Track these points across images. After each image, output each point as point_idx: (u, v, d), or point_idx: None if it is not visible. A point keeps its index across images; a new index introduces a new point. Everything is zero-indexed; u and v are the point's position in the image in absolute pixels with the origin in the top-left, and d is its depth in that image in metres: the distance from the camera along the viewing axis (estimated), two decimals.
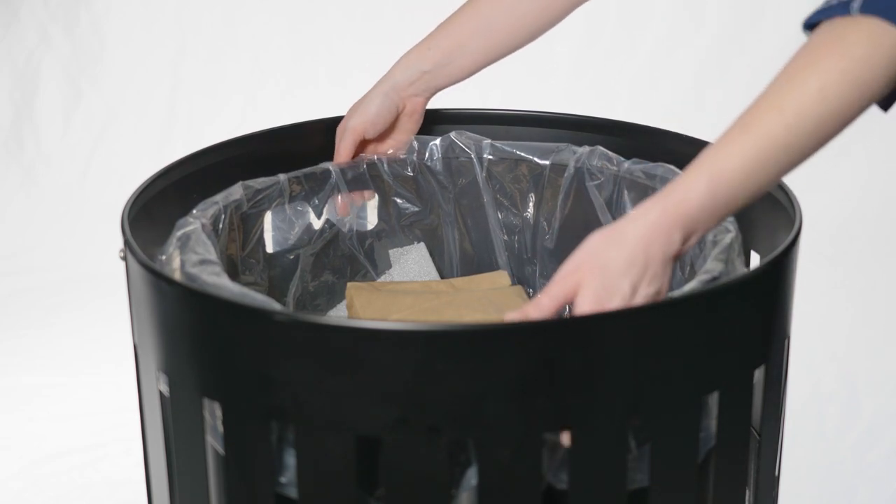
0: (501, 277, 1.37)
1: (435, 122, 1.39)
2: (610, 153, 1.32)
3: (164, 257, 1.13)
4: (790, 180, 1.05)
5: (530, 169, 1.37)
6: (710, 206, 0.98)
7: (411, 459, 0.96)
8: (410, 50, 1.34)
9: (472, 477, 0.99)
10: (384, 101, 1.33)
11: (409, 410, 0.95)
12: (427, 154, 1.38)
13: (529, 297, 1.39)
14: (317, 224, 1.35)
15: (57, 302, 2.61)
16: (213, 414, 1.04)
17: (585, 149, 1.33)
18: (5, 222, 2.88)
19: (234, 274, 1.27)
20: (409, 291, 1.32)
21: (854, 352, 2.32)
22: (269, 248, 1.32)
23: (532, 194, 1.37)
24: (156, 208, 1.21)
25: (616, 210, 1.31)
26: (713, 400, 1.03)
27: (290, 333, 0.96)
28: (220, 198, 1.24)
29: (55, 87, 3.06)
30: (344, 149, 1.34)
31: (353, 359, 0.94)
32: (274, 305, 1.00)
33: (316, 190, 1.34)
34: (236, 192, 1.26)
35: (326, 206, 1.35)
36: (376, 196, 1.38)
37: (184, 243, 1.12)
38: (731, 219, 1.12)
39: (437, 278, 1.41)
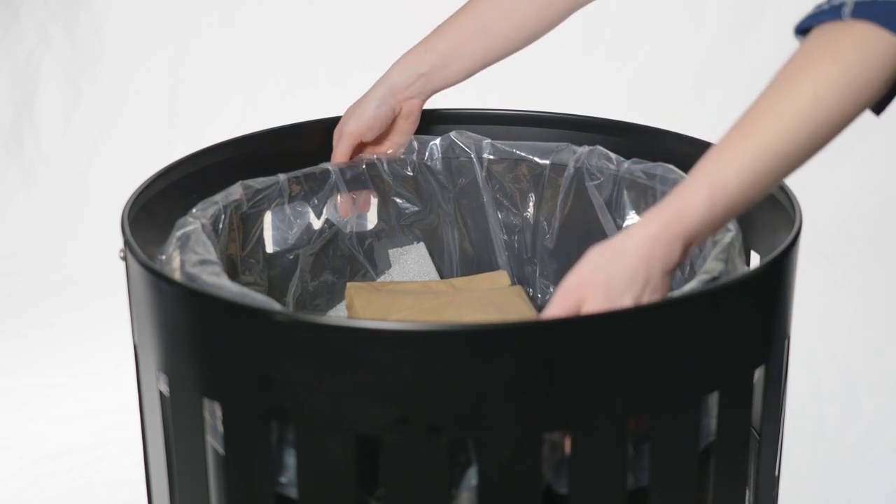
0: (501, 277, 1.37)
1: (435, 121, 1.39)
2: (610, 153, 1.32)
3: (163, 257, 1.13)
4: (790, 180, 1.05)
5: (530, 169, 1.37)
6: (710, 216, 0.98)
7: (411, 459, 0.96)
8: (407, 52, 1.34)
9: (472, 477, 0.99)
10: (381, 105, 1.33)
11: (409, 410, 0.95)
12: (427, 154, 1.38)
13: (529, 296, 1.39)
14: (316, 224, 1.35)
15: (57, 302, 2.60)
16: (213, 414, 1.04)
17: (585, 149, 1.33)
18: (5, 222, 2.88)
19: (233, 274, 1.27)
20: (409, 291, 1.32)
21: (854, 352, 2.31)
22: (269, 248, 1.32)
23: (532, 194, 1.37)
24: (156, 208, 1.21)
25: (616, 210, 1.31)
26: (712, 396, 1.03)
27: (290, 333, 0.96)
28: (219, 198, 1.24)
29: (55, 87, 3.06)
30: (341, 153, 1.34)
31: (353, 359, 0.94)
32: (274, 305, 1.00)
33: (315, 190, 1.34)
34: (236, 191, 1.26)
35: (326, 206, 1.35)
36: (376, 197, 1.38)
37: (183, 243, 1.12)
38: None
39: (437, 278, 1.41)
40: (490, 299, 1.29)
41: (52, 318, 2.55)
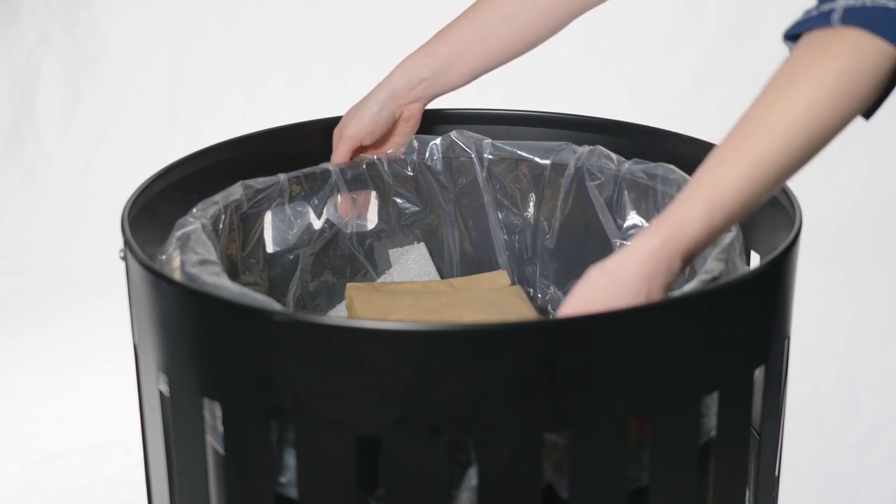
0: (501, 277, 1.37)
1: (435, 121, 1.39)
2: (610, 153, 1.32)
3: (163, 257, 1.13)
4: (790, 180, 1.05)
5: (531, 169, 1.37)
6: (709, 229, 0.98)
7: (411, 459, 0.96)
8: (408, 57, 1.34)
9: (472, 477, 0.99)
10: (381, 110, 1.33)
11: (409, 410, 0.95)
12: (427, 154, 1.38)
13: (529, 296, 1.39)
14: (317, 224, 1.35)
15: (57, 302, 2.61)
16: (213, 414, 1.04)
17: (586, 148, 1.33)
18: (5, 222, 2.88)
19: (234, 274, 1.27)
20: (409, 291, 1.32)
21: (854, 352, 2.31)
22: (269, 248, 1.32)
23: (532, 194, 1.37)
24: (156, 208, 1.21)
25: (616, 210, 1.31)
26: (711, 396, 1.03)
27: (290, 333, 0.96)
28: (219, 198, 1.24)
29: (55, 87, 3.06)
30: (340, 156, 1.34)
31: (353, 359, 0.94)
32: (274, 305, 1.00)
33: (316, 190, 1.34)
34: (236, 191, 1.26)
35: (327, 206, 1.35)
36: (376, 197, 1.38)
37: (183, 243, 1.12)
38: None
39: (437, 278, 1.41)
40: (490, 299, 1.29)
41: (52, 318, 2.55)
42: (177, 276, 1.10)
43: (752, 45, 2.87)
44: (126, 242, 1.09)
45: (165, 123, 3.03)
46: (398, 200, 1.39)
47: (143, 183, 1.21)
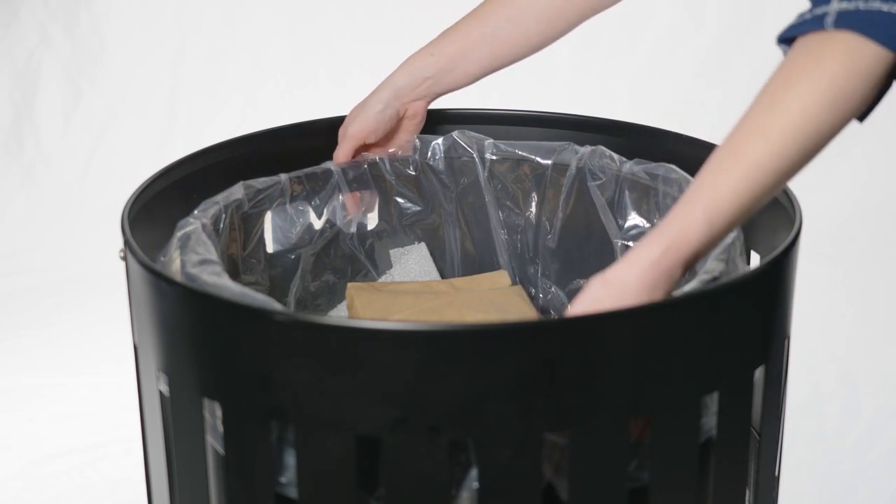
0: (502, 277, 1.37)
1: (437, 121, 1.39)
2: (612, 153, 1.32)
3: (164, 258, 1.13)
4: (797, 175, 1.05)
5: (532, 169, 1.37)
6: (709, 237, 0.98)
7: (411, 459, 0.96)
8: (413, 55, 1.34)
9: (473, 479, 0.99)
10: (385, 108, 1.33)
11: (409, 410, 0.95)
12: (429, 153, 1.38)
13: (531, 296, 1.39)
14: (318, 224, 1.34)
15: (57, 302, 2.61)
16: (212, 414, 1.04)
17: (587, 149, 1.33)
18: (5, 222, 2.88)
19: (235, 274, 1.27)
20: (410, 291, 1.32)
21: (854, 352, 2.32)
22: (270, 248, 1.32)
23: (534, 194, 1.37)
24: (156, 208, 1.21)
25: (617, 210, 1.31)
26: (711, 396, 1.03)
27: (290, 333, 0.96)
28: (220, 198, 1.24)
29: (55, 87, 3.06)
30: (343, 154, 1.34)
31: (353, 359, 0.94)
32: (274, 305, 1.00)
33: (317, 190, 1.34)
34: (237, 191, 1.26)
35: (328, 206, 1.35)
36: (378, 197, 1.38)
37: (184, 243, 1.12)
38: None
39: (438, 278, 1.41)
40: (491, 299, 1.29)
41: (52, 318, 2.55)
42: (178, 276, 1.10)
43: (752, 45, 2.87)
44: (126, 242, 1.09)
45: (165, 123, 3.03)
46: (400, 200, 1.39)
47: (143, 183, 1.21)
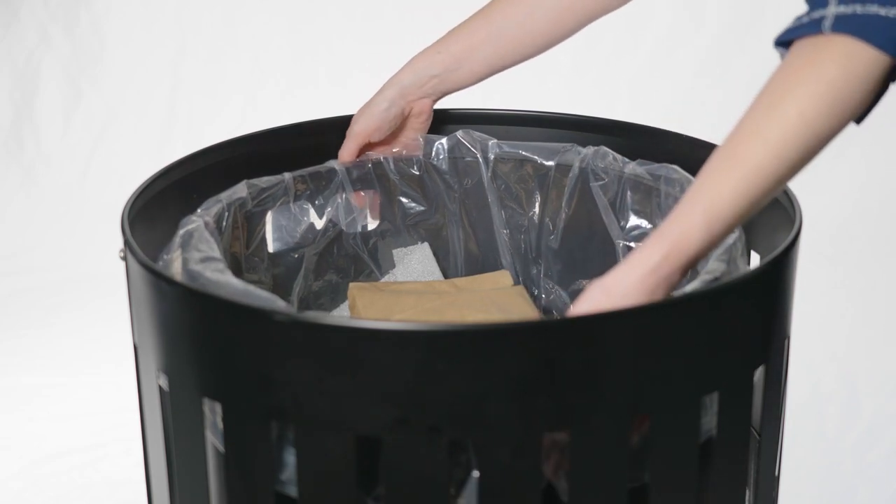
0: (504, 278, 1.37)
1: (441, 121, 1.39)
2: (615, 154, 1.32)
3: (167, 256, 1.13)
4: (794, 178, 1.05)
5: (535, 169, 1.37)
6: (708, 241, 0.99)
7: (411, 459, 0.96)
8: (419, 54, 1.34)
9: (474, 486, 0.99)
10: (390, 106, 1.33)
11: (410, 410, 0.94)
12: (433, 153, 1.38)
13: (533, 297, 1.39)
14: (321, 223, 1.34)
15: (57, 302, 2.61)
16: (213, 410, 1.04)
17: (590, 149, 1.33)
18: (5, 222, 2.88)
19: (237, 272, 1.27)
20: (412, 291, 1.32)
21: (854, 352, 2.32)
22: (271, 247, 1.32)
23: (537, 194, 1.37)
24: (156, 208, 1.21)
25: (620, 210, 1.31)
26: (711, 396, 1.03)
27: (291, 333, 0.96)
28: (224, 196, 1.24)
29: (55, 87, 3.06)
30: (347, 153, 1.34)
31: (353, 359, 0.94)
32: (278, 303, 1.00)
33: (321, 189, 1.34)
34: (241, 190, 1.26)
35: (332, 205, 1.34)
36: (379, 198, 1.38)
37: (186, 241, 1.12)
38: None
39: (441, 278, 1.41)
40: (493, 299, 1.29)
41: (52, 318, 2.55)
42: (180, 273, 1.10)
43: (752, 45, 2.87)
44: (126, 242, 1.09)
45: (165, 123, 3.03)
46: (404, 200, 1.39)
47: (143, 183, 1.21)
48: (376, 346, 0.94)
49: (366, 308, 1.28)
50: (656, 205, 1.28)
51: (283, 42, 3.06)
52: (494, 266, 1.41)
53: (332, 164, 1.34)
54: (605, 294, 0.98)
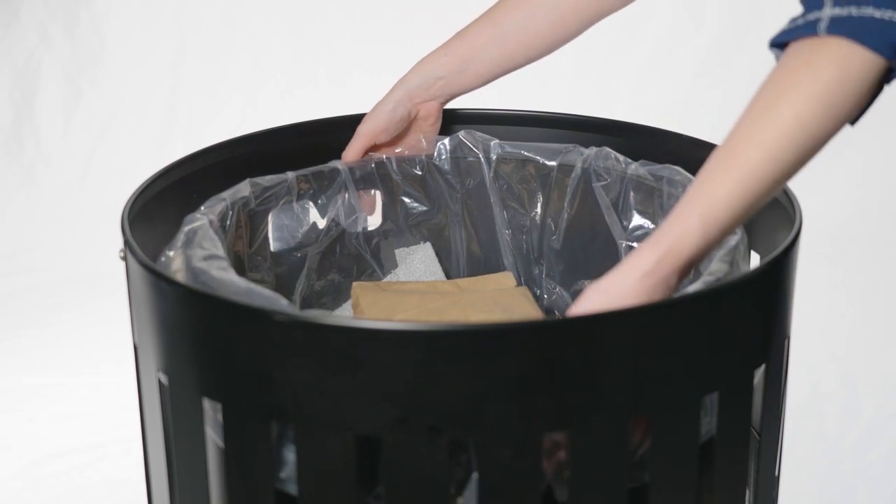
0: (507, 279, 1.37)
1: (443, 121, 1.39)
2: (617, 154, 1.32)
3: (171, 253, 1.13)
4: (791, 180, 1.05)
5: (537, 169, 1.37)
6: (705, 244, 0.99)
7: (411, 459, 0.96)
8: (425, 56, 1.34)
9: (475, 491, 0.99)
10: (395, 107, 1.33)
11: (410, 410, 0.95)
12: (435, 153, 1.38)
13: (536, 297, 1.39)
14: (324, 223, 1.35)
15: (57, 302, 2.61)
16: (213, 406, 1.04)
17: (593, 150, 1.34)
18: (5, 222, 2.88)
19: (241, 271, 1.27)
20: (415, 291, 1.32)
21: (854, 352, 2.32)
22: (273, 247, 1.32)
23: (539, 194, 1.37)
24: (156, 208, 1.21)
25: (622, 211, 1.31)
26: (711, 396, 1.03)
27: (291, 333, 0.96)
28: (227, 195, 1.24)
29: (55, 87, 3.06)
30: (352, 153, 1.35)
31: (353, 359, 0.94)
32: (281, 302, 1.00)
33: (324, 188, 1.34)
34: (244, 189, 1.26)
35: (335, 204, 1.35)
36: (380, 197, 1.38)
37: (190, 239, 1.13)
38: None
39: (443, 278, 1.41)
40: (495, 300, 1.29)
41: (52, 318, 2.55)
42: (183, 271, 1.10)
43: (752, 45, 2.87)
44: (126, 242, 1.09)
45: (165, 123, 3.03)
46: (406, 200, 1.39)
47: (143, 183, 1.21)
48: (376, 346, 0.94)
49: (369, 307, 1.28)
50: (658, 205, 1.28)
51: (283, 42, 3.06)
52: (496, 266, 1.41)
53: (335, 163, 1.35)
54: (602, 296, 0.98)
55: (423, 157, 1.38)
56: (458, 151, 1.38)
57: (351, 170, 1.34)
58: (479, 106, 1.42)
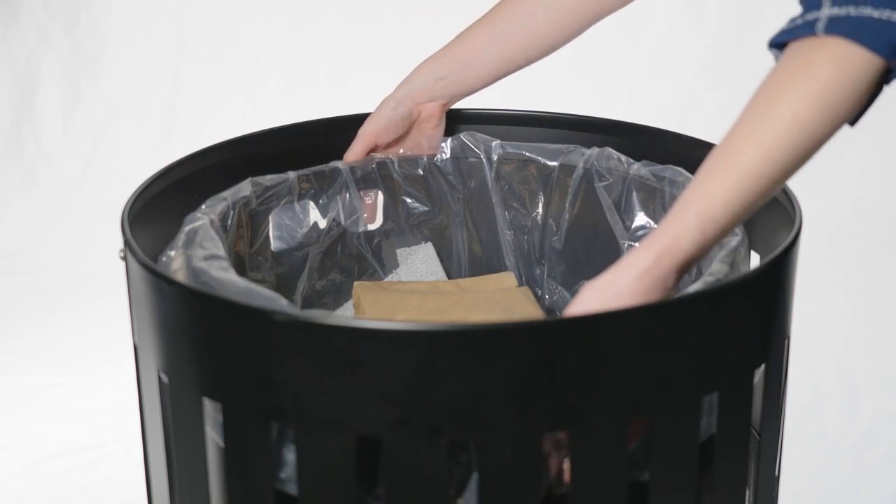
0: (508, 279, 1.37)
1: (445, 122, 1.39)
2: (619, 155, 1.32)
3: (172, 252, 1.13)
4: (790, 181, 1.05)
5: (539, 170, 1.37)
6: (702, 243, 0.99)
7: (411, 459, 0.96)
8: (427, 58, 1.35)
9: (475, 490, 0.99)
10: (397, 108, 1.33)
11: (410, 410, 0.95)
12: (437, 154, 1.38)
13: (537, 297, 1.39)
14: (325, 222, 1.35)
15: (57, 302, 2.61)
16: (213, 405, 1.04)
17: (594, 150, 1.34)
18: (5, 222, 2.88)
19: (241, 271, 1.27)
20: (416, 291, 1.32)
21: (854, 352, 2.32)
22: (273, 247, 1.32)
23: (540, 195, 1.38)
24: (156, 208, 1.21)
25: (624, 210, 1.31)
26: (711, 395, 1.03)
27: (291, 333, 0.96)
28: (228, 194, 1.24)
29: (55, 87, 3.06)
30: (354, 153, 1.35)
31: (353, 359, 0.94)
32: (281, 302, 1.00)
33: (325, 188, 1.34)
34: (245, 188, 1.26)
35: (336, 204, 1.35)
36: (382, 196, 1.38)
37: (191, 238, 1.13)
38: None
39: (445, 278, 1.41)
40: (497, 300, 1.29)
41: (52, 318, 2.55)
42: (184, 271, 1.10)
43: (752, 45, 2.87)
44: (126, 242, 1.09)
45: (165, 123, 3.03)
46: (408, 200, 1.39)
47: (143, 183, 1.21)
48: (376, 346, 0.94)
49: (370, 307, 1.28)
50: (661, 205, 1.28)
51: (283, 42, 3.06)
52: (498, 266, 1.41)
53: (336, 163, 1.35)
54: (599, 295, 0.98)
55: (425, 158, 1.38)
56: (459, 152, 1.38)
57: (352, 169, 1.35)
58: (480, 106, 1.42)
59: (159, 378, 1.07)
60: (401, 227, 1.39)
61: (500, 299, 1.29)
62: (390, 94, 1.34)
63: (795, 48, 0.98)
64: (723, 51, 2.93)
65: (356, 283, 1.35)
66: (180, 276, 1.10)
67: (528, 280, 1.40)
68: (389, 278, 1.40)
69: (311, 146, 1.36)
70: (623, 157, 1.32)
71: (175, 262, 1.12)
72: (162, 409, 1.09)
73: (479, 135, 1.38)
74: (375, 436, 0.96)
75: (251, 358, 0.98)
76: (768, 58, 1.03)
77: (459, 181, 1.39)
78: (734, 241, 1.10)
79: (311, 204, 1.33)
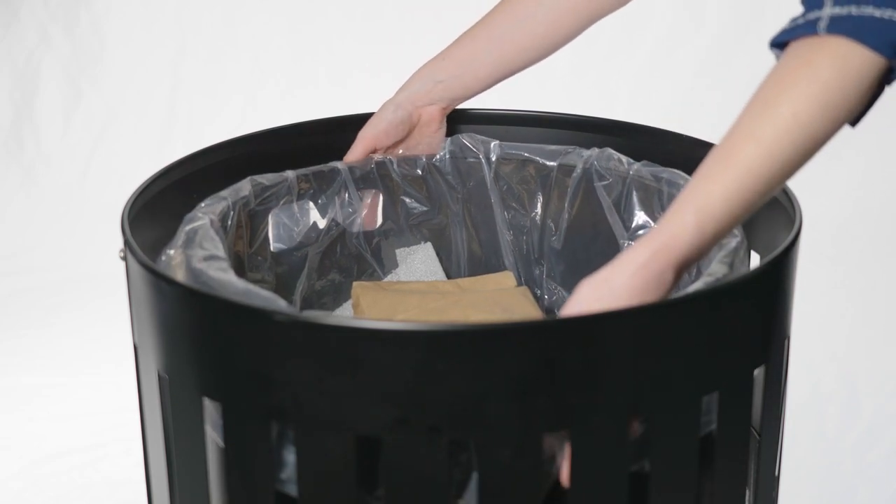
0: (507, 279, 1.37)
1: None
2: (620, 155, 1.32)
3: (171, 252, 1.13)
4: (790, 180, 1.05)
5: (538, 170, 1.37)
6: (700, 242, 0.98)
7: (411, 459, 0.96)
8: (426, 62, 1.35)
9: (475, 490, 0.99)
10: (396, 111, 1.33)
11: (410, 410, 0.95)
12: (436, 154, 1.38)
13: (536, 297, 1.39)
14: (324, 222, 1.35)
15: (57, 302, 2.61)
16: (214, 405, 1.04)
17: (594, 150, 1.34)
18: (5, 222, 2.88)
19: (241, 271, 1.27)
20: (416, 291, 1.32)
21: (854, 352, 2.32)
22: (273, 246, 1.32)
23: (539, 195, 1.38)
24: (156, 208, 1.21)
25: (624, 210, 1.31)
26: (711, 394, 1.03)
27: (291, 333, 0.96)
28: (227, 193, 1.24)
29: (55, 87, 3.06)
30: (354, 156, 1.35)
31: (353, 359, 0.94)
32: (279, 302, 1.00)
33: (324, 188, 1.34)
34: (244, 188, 1.26)
35: (335, 204, 1.35)
36: (381, 196, 1.38)
37: (191, 238, 1.12)
38: None
39: (444, 278, 1.41)
40: (496, 300, 1.29)
41: (52, 318, 2.55)
42: (183, 270, 1.10)
43: (752, 45, 2.87)
44: (126, 242, 1.09)
45: (165, 123, 3.03)
46: (407, 200, 1.39)
47: (144, 183, 1.21)
48: (376, 346, 0.94)
49: (370, 307, 1.28)
50: (660, 205, 1.28)
51: (283, 42, 3.06)
52: (497, 266, 1.41)
53: (335, 163, 1.35)
54: (595, 292, 0.98)
55: (424, 158, 1.38)
56: (458, 152, 1.38)
57: (351, 169, 1.35)
58: (479, 106, 1.42)
59: (159, 378, 1.07)
60: (400, 227, 1.39)
61: (500, 299, 1.29)
62: (390, 98, 1.35)
63: (796, 47, 0.98)
64: (723, 51, 2.93)
65: (355, 284, 1.35)
66: (180, 275, 1.10)
67: (527, 280, 1.40)
68: (389, 278, 1.40)
69: (311, 146, 1.36)
70: (623, 158, 1.32)
71: (174, 263, 1.12)
72: (162, 409, 1.09)
73: (478, 135, 1.38)
74: (375, 436, 0.96)
75: (251, 358, 0.98)
76: (768, 58, 1.03)
77: (458, 181, 1.39)
78: (733, 242, 1.10)
79: (311, 204, 1.33)
